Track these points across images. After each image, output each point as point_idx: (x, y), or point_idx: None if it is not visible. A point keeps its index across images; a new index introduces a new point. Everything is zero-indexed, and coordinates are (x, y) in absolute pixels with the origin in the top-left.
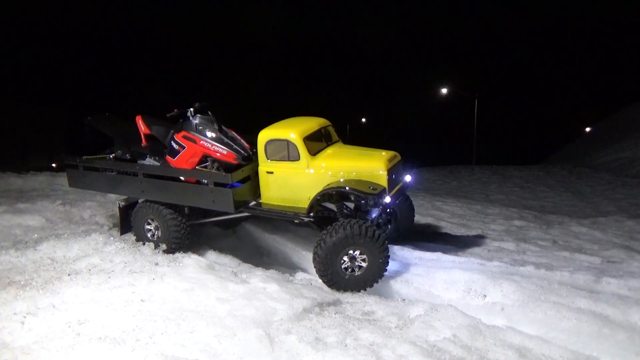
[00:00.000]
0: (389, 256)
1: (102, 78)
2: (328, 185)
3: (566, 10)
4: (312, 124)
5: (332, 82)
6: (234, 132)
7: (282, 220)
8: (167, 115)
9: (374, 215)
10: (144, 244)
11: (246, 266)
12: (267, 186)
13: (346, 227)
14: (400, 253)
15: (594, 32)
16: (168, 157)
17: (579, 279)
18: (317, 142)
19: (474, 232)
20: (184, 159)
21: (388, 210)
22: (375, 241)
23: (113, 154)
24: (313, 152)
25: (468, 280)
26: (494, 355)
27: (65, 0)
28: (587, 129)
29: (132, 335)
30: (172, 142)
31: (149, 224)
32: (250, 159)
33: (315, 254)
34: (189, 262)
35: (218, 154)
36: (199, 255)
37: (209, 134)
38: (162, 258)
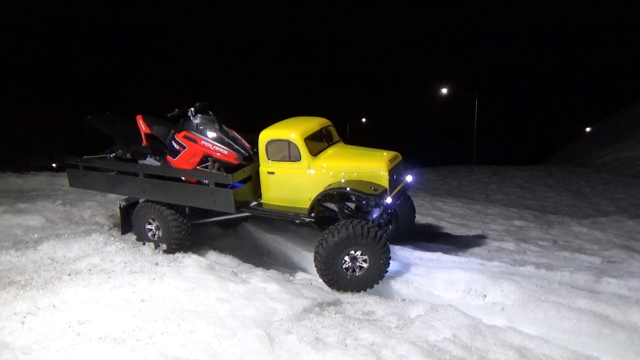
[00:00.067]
0: (390, 257)
1: (102, 78)
2: (329, 185)
3: (566, 10)
4: (313, 124)
5: (332, 82)
6: (234, 132)
7: (282, 220)
8: (168, 115)
9: (375, 215)
10: (144, 244)
11: (246, 266)
12: (268, 186)
13: (348, 227)
14: (400, 253)
15: (594, 32)
16: (169, 157)
17: (579, 279)
18: (318, 142)
19: (474, 232)
20: (184, 159)
21: (389, 210)
22: (377, 242)
23: (113, 154)
24: (314, 153)
25: (468, 280)
26: (494, 355)
27: (65, 0)
28: (587, 129)
29: (133, 335)
30: (172, 142)
31: (150, 224)
32: (251, 159)
33: (316, 253)
34: (189, 262)
35: (219, 154)
36: (199, 255)
37: (210, 133)
38: (162, 258)
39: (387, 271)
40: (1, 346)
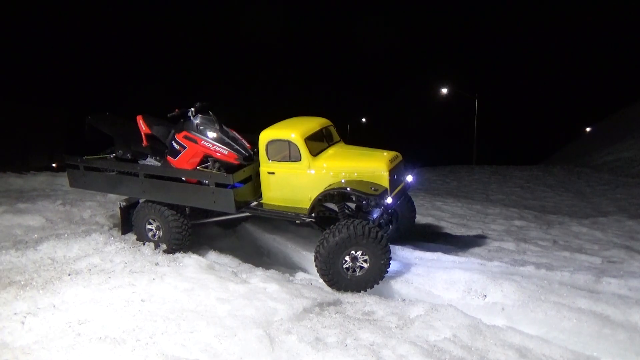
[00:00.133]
0: (390, 257)
1: (102, 78)
2: (329, 185)
3: (566, 10)
4: (313, 124)
5: (332, 82)
6: (235, 132)
7: (283, 220)
8: (168, 115)
9: (375, 215)
10: (144, 244)
11: (246, 266)
12: (269, 186)
13: (349, 227)
14: (400, 253)
15: (594, 32)
16: (169, 157)
17: (579, 279)
18: (318, 142)
19: (474, 232)
20: (185, 159)
21: (389, 210)
22: (378, 242)
23: (114, 154)
24: (314, 153)
25: (468, 280)
26: (494, 355)
27: (65, 0)
28: (587, 129)
29: (133, 335)
30: (173, 142)
31: (150, 224)
32: (252, 159)
33: (317, 253)
34: (189, 262)
35: (219, 154)
36: (199, 255)
37: (210, 134)
38: (162, 258)
39: (387, 271)
40: (1, 346)
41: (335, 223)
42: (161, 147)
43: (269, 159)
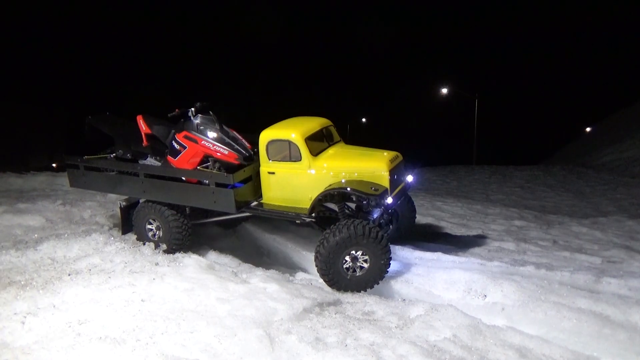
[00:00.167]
0: (390, 257)
1: (102, 78)
2: (330, 185)
3: (566, 10)
4: (313, 124)
5: (332, 82)
6: (235, 132)
7: (283, 220)
8: (169, 115)
9: (375, 215)
10: (144, 244)
11: (246, 266)
12: (269, 186)
13: (349, 227)
14: (400, 253)
15: (594, 32)
16: (169, 157)
17: (579, 279)
18: (318, 142)
19: (474, 232)
20: (185, 159)
21: (390, 210)
22: (378, 242)
23: (114, 154)
24: (315, 153)
25: (468, 280)
26: (495, 355)
27: (65, 0)
28: (587, 129)
29: (133, 335)
30: (173, 142)
31: (150, 224)
32: (252, 159)
33: (317, 252)
34: (189, 262)
35: (219, 154)
36: (199, 255)
37: (210, 133)
38: (162, 258)
39: (387, 271)
40: (1, 346)
41: (335, 223)
42: (161, 147)
43: (269, 159)
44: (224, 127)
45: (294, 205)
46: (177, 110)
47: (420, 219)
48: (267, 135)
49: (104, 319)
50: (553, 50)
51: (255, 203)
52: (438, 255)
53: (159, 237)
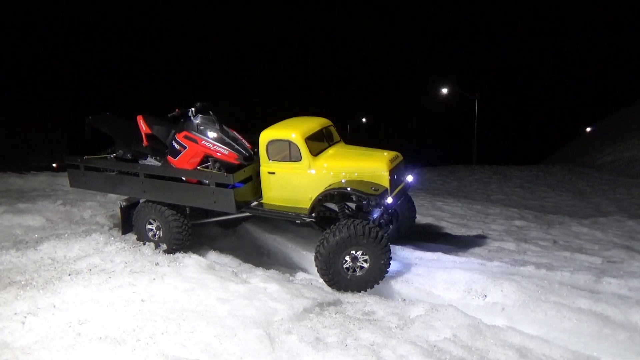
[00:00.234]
0: (390, 257)
1: (102, 78)
2: (330, 185)
3: (566, 10)
4: (313, 124)
5: (332, 82)
6: (235, 132)
7: (283, 220)
8: (169, 115)
9: (375, 215)
10: (144, 244)
11: (247, 266)
12: (269, 186)
13: (350, 227)
14: (400, 253)
15: (594, 32)
16: (169, 157)
17: (579, 279)
18: (318, 142)
19: (474, 232)
20: (185, 159)
21: (390, 210)
22: (378, 242)
23: (114, 154)
24: (315, 153)
25: (468, 280)
26: (495, 355)
27: (65, 0)
28: (587, 129)
29: (133, 335)
30: (173, 142)
31: (151, 224)
32: (252, 159)
33: (317, 252)
34: (190, 262)
35: (219, 154)
36: (200, 255)
37: (211, 134)
38: (162, 258)
39: (387, 271)
40: (1, 346)
41: (335, 223)
42: (161, 147)
43: (270, 159)
44: (224, 127)
45: (294, 205)
46: (177, 110)
47: (421, 219)
48: (267, 135)
49: (104, 319)
50: (553, 50)
51: (255, 203)
52: (438, 255)
53: (159, 237)
